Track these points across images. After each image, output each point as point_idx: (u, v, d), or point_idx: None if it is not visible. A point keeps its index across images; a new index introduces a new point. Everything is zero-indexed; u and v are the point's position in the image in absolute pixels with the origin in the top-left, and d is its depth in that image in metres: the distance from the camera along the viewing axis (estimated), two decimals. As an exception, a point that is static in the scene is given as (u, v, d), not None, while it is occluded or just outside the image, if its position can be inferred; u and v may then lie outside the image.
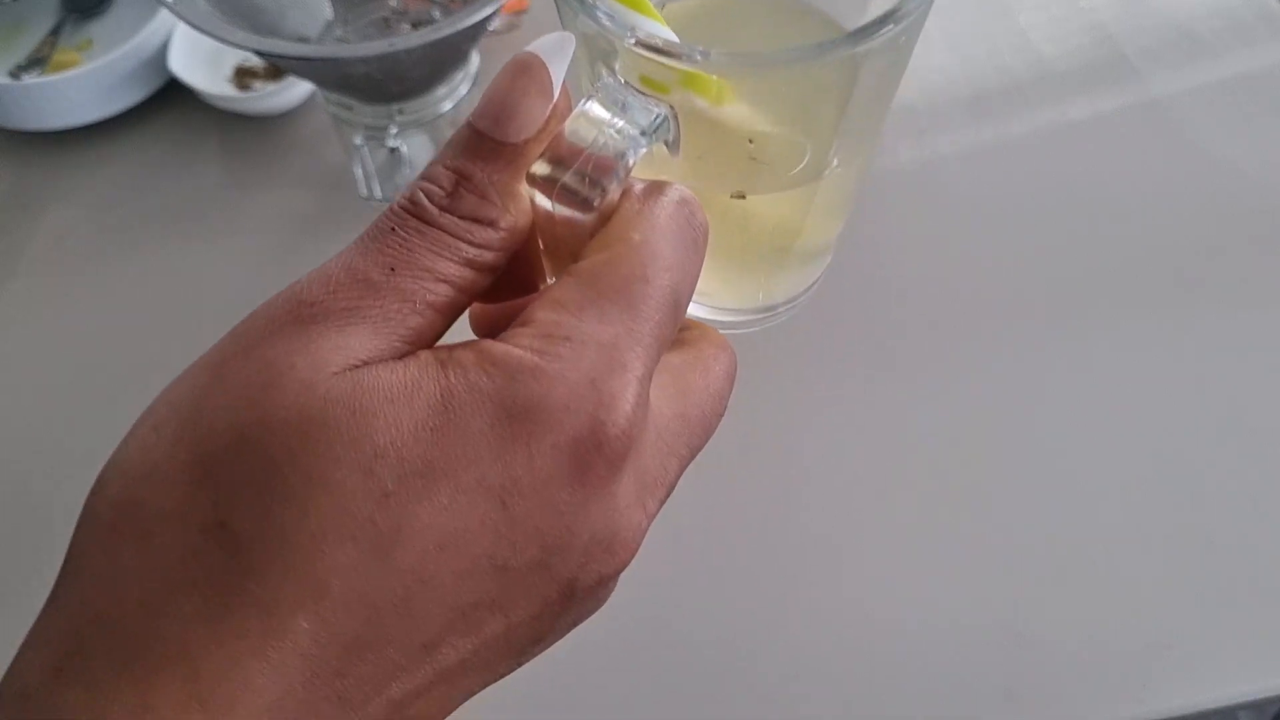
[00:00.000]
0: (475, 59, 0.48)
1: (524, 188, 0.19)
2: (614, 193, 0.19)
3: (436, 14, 0.48)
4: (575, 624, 0.20)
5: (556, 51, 0.19)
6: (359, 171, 0.49)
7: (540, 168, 0.19)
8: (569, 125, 0.19)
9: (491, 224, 0.19)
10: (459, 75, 0.46)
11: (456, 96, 0.47)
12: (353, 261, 0.18)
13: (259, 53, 0.38)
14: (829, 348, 0.41)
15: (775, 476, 0.39)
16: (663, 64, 0.22)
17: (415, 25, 0.48)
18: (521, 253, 0.20)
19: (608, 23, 0.22)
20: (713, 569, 0.37)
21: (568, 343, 0.17)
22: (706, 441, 0.21)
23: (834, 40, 0.22)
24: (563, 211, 0.19)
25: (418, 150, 0.49)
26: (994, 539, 0.36)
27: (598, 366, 0.17)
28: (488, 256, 0.19)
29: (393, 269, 0.18)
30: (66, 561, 0.16)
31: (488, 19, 0.39)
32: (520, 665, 0.19)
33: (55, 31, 0.57)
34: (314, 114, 0.53)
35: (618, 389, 0.17)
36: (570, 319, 0.17)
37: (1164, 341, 0.41)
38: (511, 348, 0.17)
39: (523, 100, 0.19)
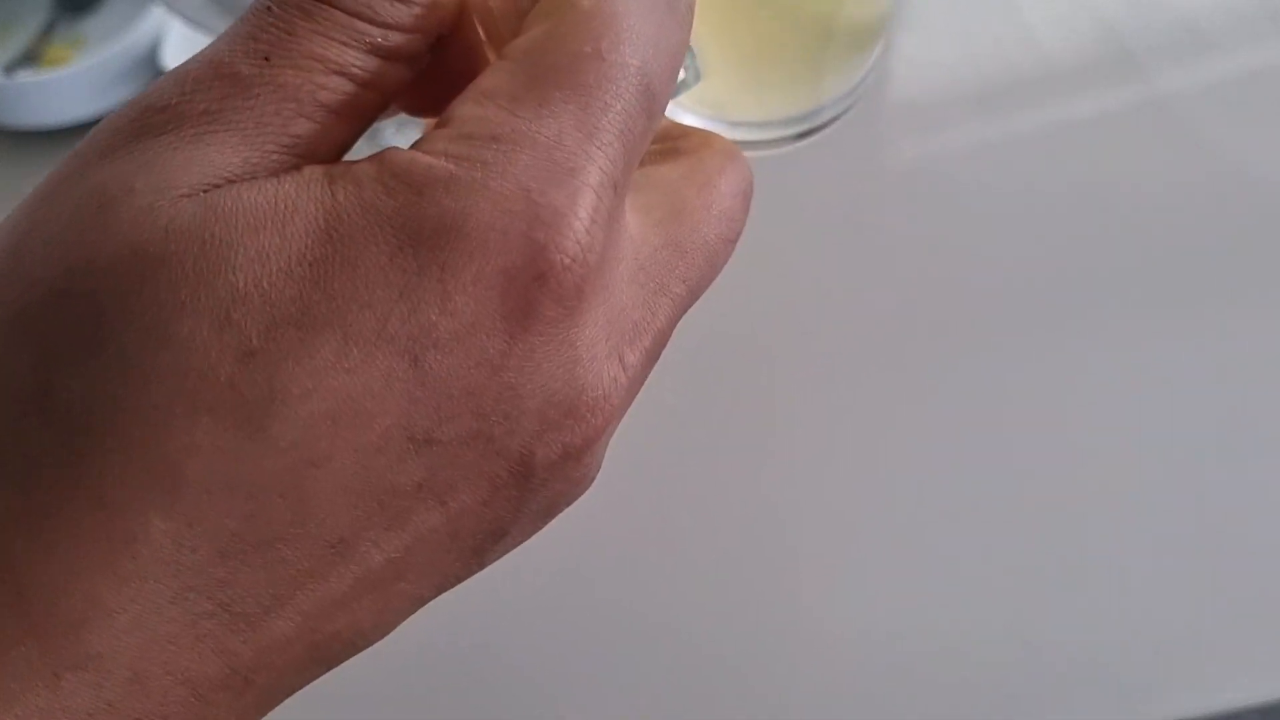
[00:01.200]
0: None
1: None
2: None
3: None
4: (550, 512, 0.16)
5: None
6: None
7: None
8: None
9: None
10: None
11: (454, 93, 0.46)
12: (217, 53, 0.14)
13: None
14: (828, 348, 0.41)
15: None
16: None
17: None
18: (459, 43, 0.16)
19: None
20: (698, 557, 0.36)
21: (495, 144, 0.13)
22: (713, 276, 0.17)
23: None
24: None
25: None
26: (998, 542, 0.36)
27: (535, 172, 0.13)
28: (397, 39, 0.15)
29: (267, 58, 0.14)
30: None
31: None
32: (483, 565, 0.16)
33: (47, 29, 0.56)
34: (309, 112, 0.53)
35: (563, 201, 0.13)
36: (499, 113, 0.13)
37: (1169, 342, 0.41)
38: (421, 154, 0.13)
39: None
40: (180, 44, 0.52)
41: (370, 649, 0.15)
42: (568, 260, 0.13)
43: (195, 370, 0.12)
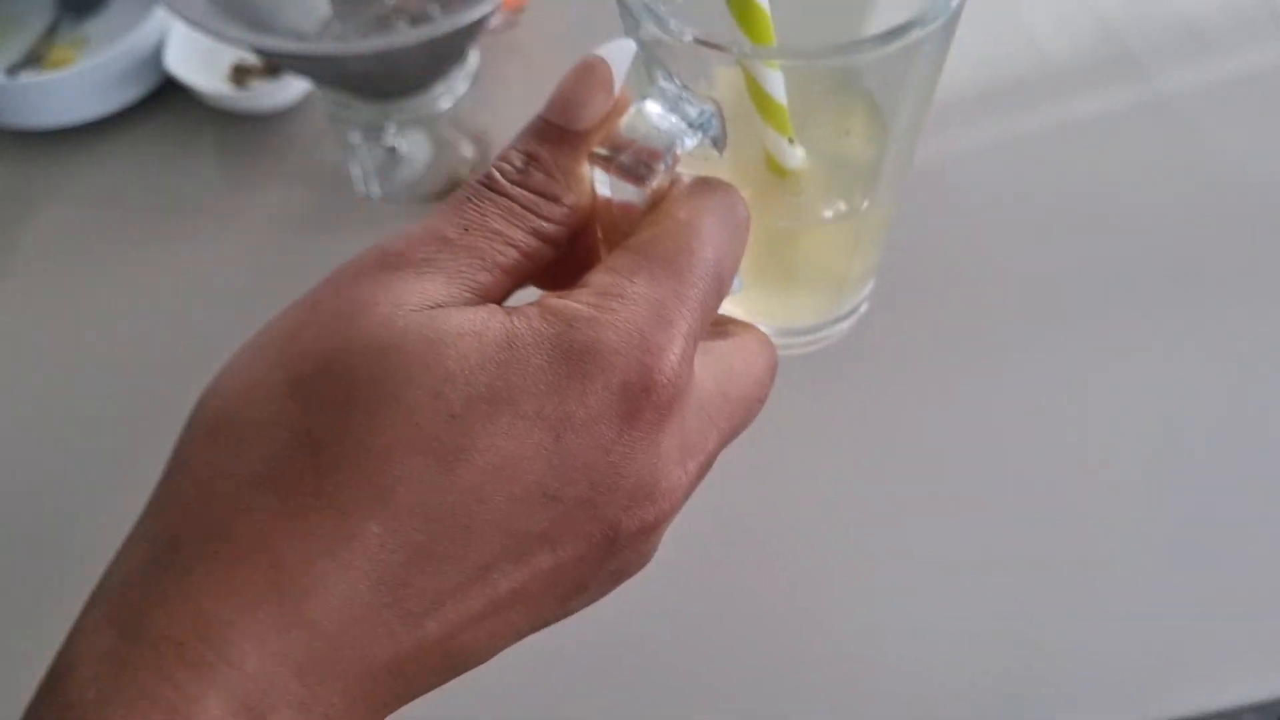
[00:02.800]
0: (474, 57, 0.47)
1: (585, 170, 0.22)
2: (663, 177, 0.21)
3: (435, 11, 0.47)
4: (619, 577, 0.21)
5: (619, 54, 0.22)
6: (356, 170, 0.48)
7: (601, 149, 0.21)
8: (626, 119, 0.22)
9: (556, 199, 0.21)
10: (457, 73, 0.46)
11: (455, 95, 0.46)
12: (432, 222, 0.20)
13: (255, 49, 0.38)
14: (845, 360, 0.41)
15: (784, 480, 0.38)
16: (713, 54, 0.25)
17: (414, 22, 0.47)
18: (583, 242, 0.23)
19: (662, 30, 0.25)
20: (721, 574, 0.36)
21: (620, 299, 0.19)
22: (746, 424, 0.22)
23: (868, 39, 0.25)
24: (619, 190, 0.21)
25: (415, 148, 0.48)
26: (1000, 544, 0.36)
27: (647, 320, 0.19)
28: (551, 229, 0.21)
29: (466, 229, 0.20)
30: (167, 468, 0.18)
31: (486, 17, 0.39)
32: (564, 615, 0.20)
33: (51, 29, 0.56)
34: (311, 112, 0.53)
35: (664, 341, 0.19)
36: (623, 281, 0.19)
37: (1169, 341, 0.41)
38: (570, 302, 0.19)
39: (587, 94, 0.21)
40: (183, 46, 0.52)
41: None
42: (665, 380, 0.19)
43: (415, 424, 0.17)
